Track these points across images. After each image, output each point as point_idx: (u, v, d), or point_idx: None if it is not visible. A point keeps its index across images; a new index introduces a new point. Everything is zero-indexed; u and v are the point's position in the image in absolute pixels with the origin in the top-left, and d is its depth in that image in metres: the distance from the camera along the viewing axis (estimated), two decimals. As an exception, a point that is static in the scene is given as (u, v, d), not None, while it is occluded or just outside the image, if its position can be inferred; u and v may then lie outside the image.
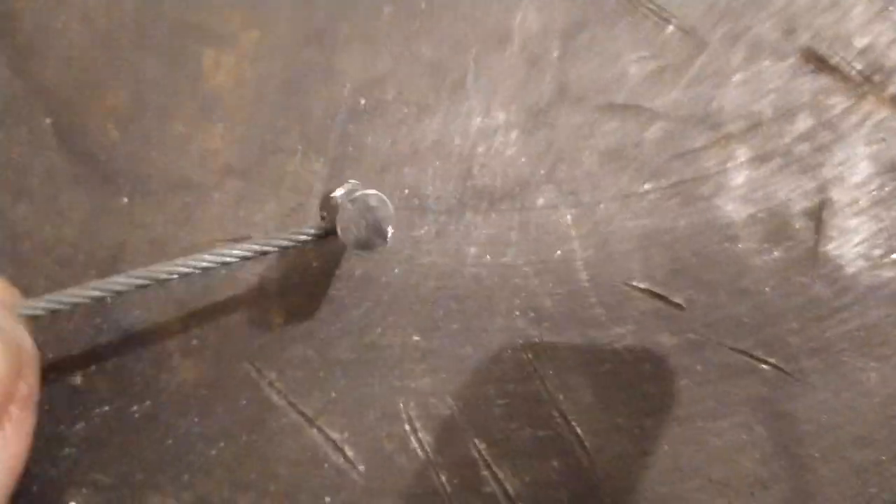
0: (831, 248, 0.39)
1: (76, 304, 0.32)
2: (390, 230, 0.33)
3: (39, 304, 0.32)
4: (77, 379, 0.36)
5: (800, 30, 0.42)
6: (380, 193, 0.33)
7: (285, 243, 0.34)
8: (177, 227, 0.38)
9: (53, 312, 0.32)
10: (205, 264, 0.33)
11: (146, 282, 0.32)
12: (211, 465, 0.36)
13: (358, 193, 0.33)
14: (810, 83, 0.41)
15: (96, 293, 0.32)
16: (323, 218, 0.35)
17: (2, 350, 0.29)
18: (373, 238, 0.33)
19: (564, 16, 0.41)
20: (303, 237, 0.34)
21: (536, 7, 0.41)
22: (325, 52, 0.40)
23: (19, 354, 0.30)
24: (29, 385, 0.30)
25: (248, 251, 0.33)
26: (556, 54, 0.41)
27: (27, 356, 0.30)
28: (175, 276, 0.33)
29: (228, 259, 0.33)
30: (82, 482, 0.36)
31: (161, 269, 0.33)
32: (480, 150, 0.39)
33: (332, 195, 0.35)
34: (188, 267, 0.33)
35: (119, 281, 0.32)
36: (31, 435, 0.31)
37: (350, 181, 0.36)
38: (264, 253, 0.34)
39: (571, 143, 0.40)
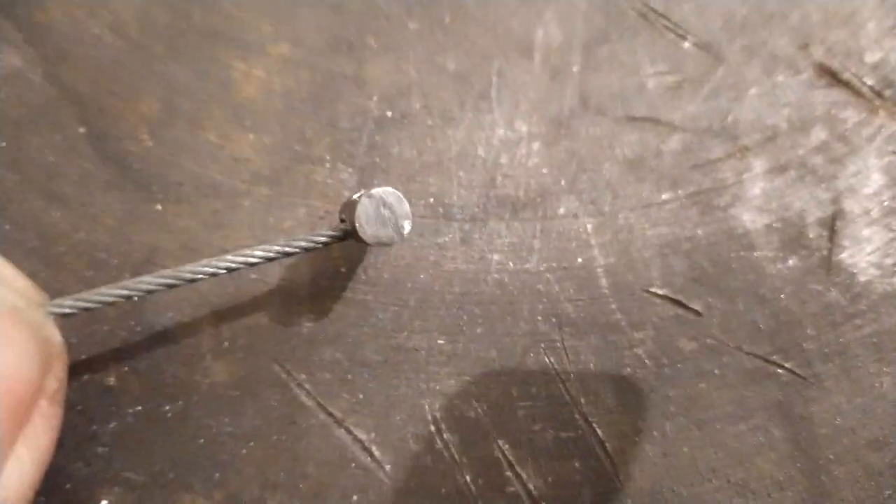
0: (845, 256, 0.41)
1: (103, 303, 0.33)
2: (407, 224, 0.35)
3: (66, 303, 0.33)
4: (111, 379, 0.37)
5: (813, 45, 0.44)
6: (395, 191, 0.35)
7: (305, 244, 0.36)
8: (208, 232, 0.39)
9: (82, 311, 0.33)
10: (229, 265, 0.34)
11: (173, 281, 0.34)
12: (241, 464, 0.37)
13: (374, 190, 0.35)
14: (824, 97, 0.43)
15: (123, 292, 0.33)
16: (342, 221, 0.37)
17: (32, 345, 0.29)
18: (390, 232, 0.35)
19: (585, 30, 0.43)
20: (322, 238, 0.36)
21: (558, 21, 0.43)
22: (353, 64, 0.42)
23: (48, 349, 0.31)
24: (58, 380, 0.31)
25: (271, 252, 0.35)
26: (576, 67, 0.42)
27: (56, 351, 0.31)
28: (200, 276, 0.34)
29: (252, 260, 0.35)
30: (114, 480, 0.37)
31: (186, 270, 0.34)
32: (504, 160, 0.41)
33: (350, 199, 0.36)
34: (212, 267, 0.34)
35: (145, 280, 0.34)
36: (58, 429, 0.32)
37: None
38: (286, 254, 0.35)
39: (592, 153, 0.41)
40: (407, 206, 0.35)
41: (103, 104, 0.41)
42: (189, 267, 0.34)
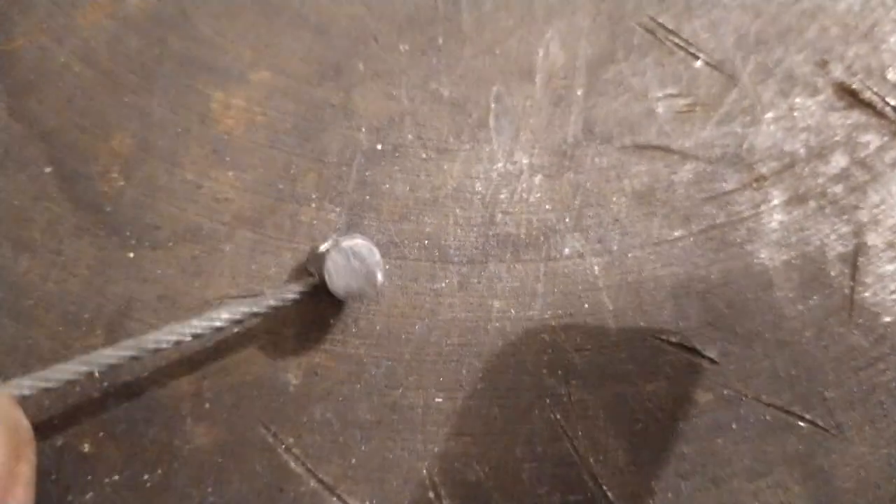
0: (868, 295, 0.38)
1: (63, 381, 0.32)
2: (380, 275, 0.34)
3: (25, 383, 0.32)
4: (86, 445, 0.35)
5: (832, 62, 0.41)
6: (365, 240, 0.34)
7: (273, 303, 0.34)
8: (187, 280, 0.37)
9: (41, 391, 0.32)
10: (194, 331, 0.33)
11: (135, 353, 0.33)
12: (227, 534, 0.35)
13: (344, 243, 0.34)
14: (844, 119, 0.40)
15: (83, 368, 0.32)
16: (310, 274, 0.36)
17: (2, 435, 0.29)
18: (363, 286, 0.34)
19: (589, 50, 0.40)
20: (291, 295, 0.35)
21: (560, 41, 0.40)
22: (341, 91, 0.39)
23: (19, 436, 0.30)
24: (30, 464, 0.30)
25: (237, 315, 0.34)
26: (580, 91, 0.40)
27: (26, 437, 0.30)
28: (164, 346, 0.33)
29: (217, 324, 0.34)
30: (92, 554, 0.35)
31: (150, 340, 0.33)
32: (503, 196, 0.38)
33: (318, 249, 0.35)
34: (176, 335, 0.33)
35: (105, 354, 0.32)
36: None
37: (334, 236, 0.36)
38: (255, 314, 0.34)
39: (598, 187, 0.39)
40: (378, 256, 0.34)
41: (72, 140, 0.38)
42: (152, 336, 0.33)
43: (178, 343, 0.33)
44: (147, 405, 0.36)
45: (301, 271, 0.37)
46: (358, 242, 0.34)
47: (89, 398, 0.35)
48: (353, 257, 0.34)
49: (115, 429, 0.35)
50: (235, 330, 0.36)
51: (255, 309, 0.34)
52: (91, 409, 0.36)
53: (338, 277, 0.33)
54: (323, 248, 0.35)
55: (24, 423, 0.30)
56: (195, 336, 0.33)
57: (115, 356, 0.32)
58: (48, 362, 0.35)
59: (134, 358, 0.32)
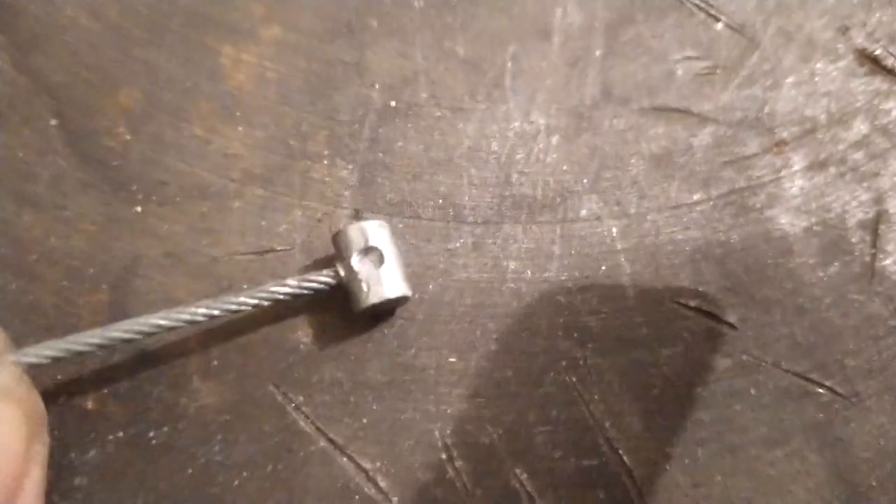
0: (888, 263, 0.37)
1: (78, 353, 0.31)
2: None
3: (40, 352, 0.30)
4: (89, 402, 0.34)
5: (854, 28, 0.40)
6: (398, 271, 0.34)
7: (291, 290, 0.34)
8: (195, 237, 0.36)
9: (55, 361, 0.31)
10: (211, 311, 0.32)
11: (150, 329, 0.32)
12: (233, 496, 0.34)
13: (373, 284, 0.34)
14: (865, 86, 0.40)
15: (98, 341, 0.31)
16: (336, 274, 0.34)
17: (20, 420, 0.28)
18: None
19: (608, 11, 0.40)
20: (311, 285, 0.34)
21: (578, 2, 0.40)
22: (353, 49, 0.38)
23: (34, 418, 0.29)
24: (45, 444, 0.30)
25: (254, 299, 0.33)
26: (598, 52, 0.39)
27: (40, 417, 0.30)
28: (180, 325, 0.32)
29: (234, 307, 0.33)
30: (95, 514, 0.34)
31: (164, 317, 0.32)
32: (519, 156, 0.37)
33: (344, 233, 0.34)
34: (189, 314, 0.32)
35: (124, 328, 0.31)
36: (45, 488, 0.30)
37: (363, 222, 0.34)
38: (270, 300, 0.33)
39: (616, 149, 0.38)
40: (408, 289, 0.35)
41: (78, 95, 0.38)
42: (168, 314, 0.32)
43: (191, 323, 0.32)
44: (152, 363, 0.35)
45: (312, 228, 0.36)
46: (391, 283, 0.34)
47: (93, 355, 0.34)
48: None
49: (118, 387, 0.35)
50: (244, 286, 0.36)
51: (274, 294, 0.33)
52: (95, 366, 0.35)
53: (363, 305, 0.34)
54: (352, 238, 0.34)
55: (40, 406, 0.30)
56: (210, 317, 0.32)
57: (132, 330, 0.31)
58: (51, 318, 0.35)
59: (148, 334, 0.31)
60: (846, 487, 0.36)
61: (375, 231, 0.34)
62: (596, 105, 0.39)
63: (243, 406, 0.35)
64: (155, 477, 0.34)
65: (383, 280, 0.33)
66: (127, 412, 0.34)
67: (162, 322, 0.31)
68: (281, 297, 0.33)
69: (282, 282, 0.33)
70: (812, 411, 0.36)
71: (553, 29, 0.39)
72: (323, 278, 0.33)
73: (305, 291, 0.33)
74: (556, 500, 0.35)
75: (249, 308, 0.33)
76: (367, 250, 0.33)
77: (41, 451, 0.29)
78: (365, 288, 0.33)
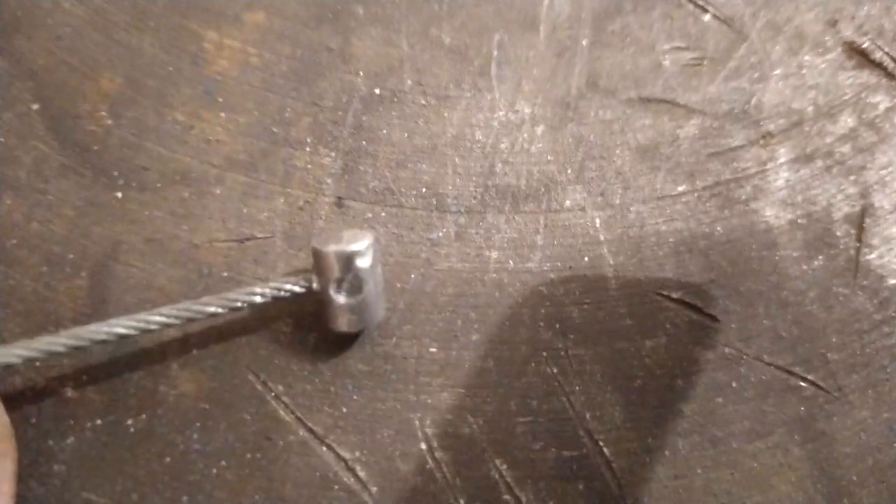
0: (873, 257, 0.37)
1: (52, 353, 0.31)
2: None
3: (13, 352, 0.30)
4: (68, 390, 0.34)
5: (842, 22, 0.40)
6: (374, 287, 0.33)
7: (263, 297, 0.33)
8: (175, 223, 0.36)
9: (27, 361, 0.31)
10: (168, 320, 0.32)
11: (126, 331, 0.31)
12: (212, 485, 0.34)
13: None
14: (853, 80, 0.39)
15: (73, 342, 0.31)
16: (311, 286, 0.33)
17: None
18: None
19: (595, 1, 0.39)
20: (283, 293, 0.33)
21: (565, -9, 0.39)
22: (338, 35, 0.38)
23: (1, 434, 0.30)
24: (12, 460, 0.30)
25: (227, 304, 0.33)
26: (585, 42, 0.38)
27: (6, 432, 0.31)
28: (156, 327, 0.32)
29: (211, 309, 0.32)
30: (73, 502, 0.34)
31: (141, 319, 0.31)
32: (504, 145, 0.37)
33: (326, 256, 0.33)
34: (164, 316, 0.32)
35: (94, 330, 0.31)
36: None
37: (348, 247, 0.33)
38: (245, 306, 0.33)
39: (601, 139, 0.37)
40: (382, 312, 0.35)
41: (60, 79, 0.37)
42: (145, 315, 0.32)
43: (167, 326, 0.32)
44: (132, 350, 0.34)
45: (294, 216, 0.36)
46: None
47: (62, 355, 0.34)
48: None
49: (97, 374, 0.34)
50: (224, 274, 0.35)
51: (249, 299, 0.33)
52: (74, 353, 0.34)
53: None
54: (330, 258, 0.33)
55: (5, 419, 0.30)
56: (187, 319, 0.32)
57: (105, 332, 0.31)
58: (30, 303, 0.34)
59: (123, 336, 0.31)
60: (828, 481, 0.35)
61: (360, 259, 0.32)
62: (582, 95, 0.38)
63: (222, 394, 0.34)
64: (133, 464, 0.34)
65: (360, 309, 0.33)
66: (105, 399, 0.34)
67: (120, 331, 0.31)
68: (250, 302, 0.33)
69: (251, 289, 0.33)
70: (795, 405, 0.36)
71: (540, 18, 0.39)
72: (295, 288, 0.33)
73: (275, 298, 0.33)
74: (536, 491, 0.35)
75: (215, 315, 0.32)
76: (347, 278, 0.33)
77: (8, 466, 0.30)
78: (340, 315, 0.33)
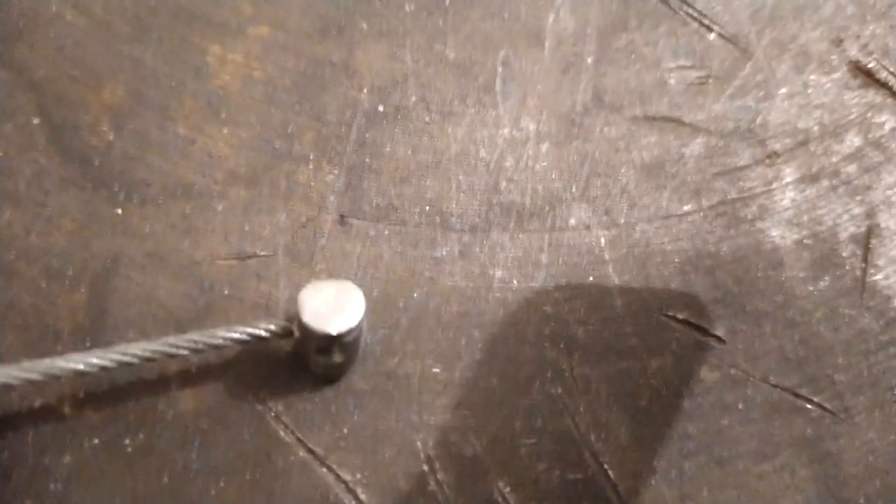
0: (879, 278, 0.37)
1: (51, 376, 0.30)
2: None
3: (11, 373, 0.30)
4: (65, 407, 0.33)
5: (847, 41, 0.39)
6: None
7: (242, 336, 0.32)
8: (177, 238, 0.35)
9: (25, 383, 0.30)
10: (146, 354, 0.31)
11: (125, 360, 0.31)
12: None
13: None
14: (859, 99, 0.39)
15: (70, 366, 0.30)
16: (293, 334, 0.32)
17: None
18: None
19: (601, 17, 0.39)
20: (262, 333, 0.32)
21: (571, 7, 0.39)
22: (342, 50, 0.38)
23: None
24: None
25: (203, 342, 0.32)
26: (591, 59, 0.38)
27: None
28: (135, 361, 0.31)
29: (183, 350, 0.32)
30: (69, 520, 0.33)
31: (126, 351, 0.31)
32: (508, 162, 0.37)
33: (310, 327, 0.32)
34: (147, 352, 0.31)
35: (83, 359, 0.30)
36: None
37: (335, 328, 0.31)
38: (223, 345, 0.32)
39: (607, 157, 0.37)
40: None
41: (61, 90, 0.37)
42: (128, 348, 0.31)
43: (149, 360, 0.31)
44: (130, 367, 0.34)
45: (296, 232, 0.35)
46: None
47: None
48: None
49: (95, 390, 0.33)
50: (226, 292, 0.35)
51: (229, 336, 0.32)
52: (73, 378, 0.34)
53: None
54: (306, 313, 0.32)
55: None
56: (157, 357, 0.31)
57: (99, 362, 0.30)
58: (29, 317, 0.34)
59: (124, 364, 0.31)
60: (836, 503, 0.35)
61: (347, 337, 0.31)
62: (587, 112, 0.38)
63: (222, 413, 0.34)
64: (131, 482, 0.33)
65: (341, 367, 0.33)
66: (103, 417, 0.33)
67: (106, 363, 0.30)
68: (228, 343, 0.32)
69: (231, 329, 0.32)
70: (801, 426, 0.35)
71: (545, 34, 0.38)
72: (275, 331, 0.32)
73: (253, 340, 0.32)
74: (540, 513, 0.34)
75: (193, 352, 0.32)
76: (330, 349, 0.32)
77: None
78: (319, 367, 0.33)
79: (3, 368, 0.29)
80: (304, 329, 0.31)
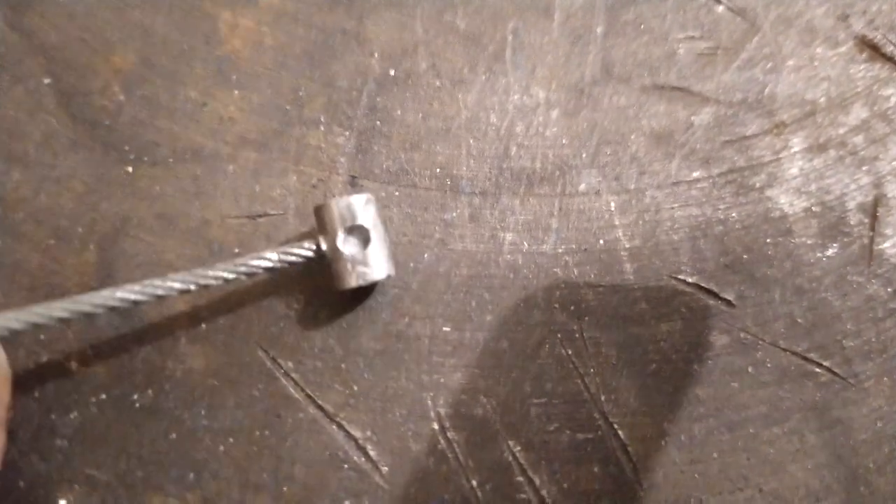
0: (887, 246, 0.36)
1: (59, 319, 0.29)
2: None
3: (20, 318, 0.28)
4: (72, 363, 0.33)
5: (854, 16, 0.39)
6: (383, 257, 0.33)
7: (270, 264, 0.31)
8: (186, 200, 0.35)
9: (35, 327, 0.29)
10: (178, 286, 0.30)
11: (137, 297, 0.30)
12: (219, 463, 0.33)
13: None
14: (865, 72, 0.38)
15: (82, 308, 0.29)
16: (317, 249, 0.32)
17: None
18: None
19: None
20: (292, 258, 0.32)
21: (579, -21, 0.38)
22: (353, 16, 0.37)
23: None
24: (4, 405, 0.29)
25: (231, 271, 0.31)
26: (600, 30, 0.38)
27: (2, 374, 0.29)
28: (164, 293, 0.30)
29: (212, 279, 0.31)
30: (75, 478, 0.32)
31: (149, 285, 0.30)
32: (518, 129, 0.36)
33: (328, 208, 0.32)
34: (164, 289, 0.30)
35: (106, 296, 0.29)
36: (4, 451, 0.29)
37: (350, 197, 0.32)
38: (251, 274, 0.31)
39: (616, 125, 0.37)
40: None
41: (72, 55, 0.36)
42: (138, 286, 0.30)
43: (178, 292, 0.30)
44: (138, 324, 0.33)
45: (306, 194, 0.35)
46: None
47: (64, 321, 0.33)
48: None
49: (103, 347, 0.33)
50: (236, 249, 0.34)
51: (252, 268, 0.31)
52: (79, 326, 0.33)
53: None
54: (335, 215, 0.32)
55: (1, 358, 0.29)
56: (196, 286, 0.30)
57: (116, 299, 0.29)
58: (36, 278, 0.33)
59: (135, 303, 0.29)
60: (845, 469, 0.34)
61: (362, 208, 0.32)
62: (596, 82, 0.38)
63: (231, 370, 0.33)
64: (138, 441, 0.32)
65: (368, 261, 0.32)
66: (111, 374, 0.33)
67: (131, 296, 0.29)
68: (259, 270, 0.31)
69: (261, 254, 0.31)
70: (811, 391, 0.35)
71: (554, 6, 0.38)
72: (303, 252, 0.31)
73: (284, 265, 0.31)
74: (550, 473, 0.33)
75: (225, 281, 0.31)
76: (353, 229, 0.32)
77: (1, 414, 0.28)
78: (349, 268, 0.31)
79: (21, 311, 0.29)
80: (325, 216, 0.32)
